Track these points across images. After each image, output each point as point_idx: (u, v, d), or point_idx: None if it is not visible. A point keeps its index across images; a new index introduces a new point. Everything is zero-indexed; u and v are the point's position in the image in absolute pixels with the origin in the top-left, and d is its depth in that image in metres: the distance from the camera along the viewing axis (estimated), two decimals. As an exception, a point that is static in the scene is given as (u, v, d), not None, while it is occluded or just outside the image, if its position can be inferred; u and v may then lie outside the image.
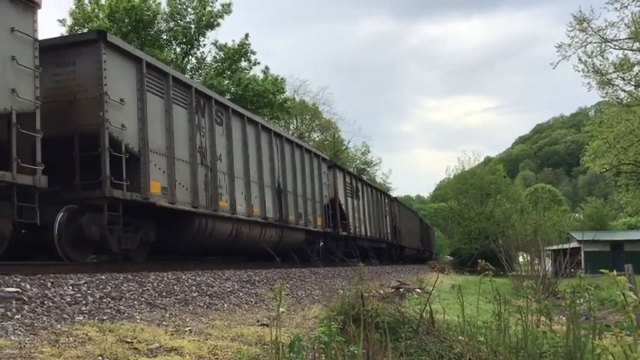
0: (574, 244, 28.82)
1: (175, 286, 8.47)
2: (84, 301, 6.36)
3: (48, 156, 7.97)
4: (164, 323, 6.11)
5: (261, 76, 29.75)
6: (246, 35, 29.39)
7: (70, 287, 6.73)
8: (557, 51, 28.10)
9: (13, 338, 4.55)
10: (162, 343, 5.02)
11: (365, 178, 39.23)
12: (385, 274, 20.00)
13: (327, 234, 19.89)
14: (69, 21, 26.91)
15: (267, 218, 14.82)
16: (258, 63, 30.01)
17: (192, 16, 28.49)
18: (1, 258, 7.48)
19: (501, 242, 19.92)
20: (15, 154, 7.41)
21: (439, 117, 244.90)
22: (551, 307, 4.83)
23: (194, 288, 8.76)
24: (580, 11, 27.70)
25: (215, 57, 30.05)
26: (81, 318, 5.72)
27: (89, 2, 26.84)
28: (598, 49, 27.70)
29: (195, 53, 29.83)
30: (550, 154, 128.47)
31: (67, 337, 4.83)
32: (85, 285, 6.99)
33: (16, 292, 5.95)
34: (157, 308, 7.00)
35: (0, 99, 7.34)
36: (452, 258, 56.78)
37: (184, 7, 28.40)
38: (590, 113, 76.79)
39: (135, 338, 5.08)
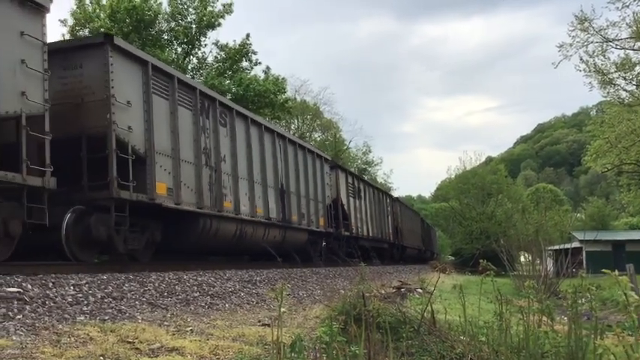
0: (575, 244, 28.77)
1: (177, 286, 8.47)
2: (85, 301, 6.37)
3: (55, 157, 8.08)
4: (165, 323, 6.11)
5: (262, 76, 29.79)
6: (247, 35, 29.47)
7: (72, 287, 6.73)
8: (559, 51, 28.15)
9: (14, 338, 4.55)
10: (164, 343, 5.02)
11: (366, 178, 39.24)
12: (387, 274, 20.00)
13: (329, 234, 19.92)
14: (70, 21, 27.01)
15: (271, 219, 14.87)
16: (260, 63, 30.08)
17: (193, 16, 28.53)
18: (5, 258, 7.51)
19: (503, 242, 19.91)
20: (25, 156, 7.52)
21: (440, 117, 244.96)
22: (553, 307, 4.82)
23: (195, 288, 8.77)
24: (581, 11, 27.73)
25: (216, 57, 30.10)
26: (82, 318, 5.72)
27: (90, 2, 26.87)
28: (599, 48, 27.73)
29: (196, 53, 29.88)
30: (551, 154, 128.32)
31: (69, 337, 4.84)
32: (87, 285, 7.00)
33: (18, 292, 5.96)
34: (158, 308, 7.00)
35: (10, 102, 7.45)
36: (453, 258, 56.83)
37: (185, 7, 28.43)
38: (591, 113, 76.81)
39: (136, 338, 5.08)
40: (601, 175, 56.24)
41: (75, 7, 26.74)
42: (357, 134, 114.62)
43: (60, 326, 5.19)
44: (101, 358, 4.34)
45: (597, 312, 4.29)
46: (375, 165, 64.37)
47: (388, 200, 31.53)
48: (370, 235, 25.49)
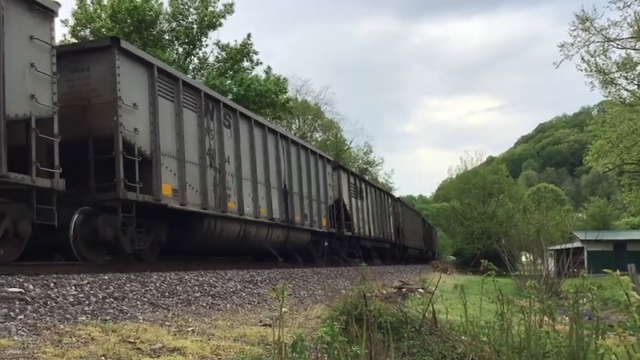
0: (577, 244, 28.77)
1: (178, 287, 8.48)
2: (87, 302, 6.37)
3: (63, 159, 8.16)
4: (167, 323, 6.11)
5: (263, 76, 29.80)
6: (249, 35, 29.46)
7: (73, 287, 6.74)
8: (560, 50, 28.08)
9: (16, 338, 4.56)
10: (165, 344, 5.02)
11: (367, 178, 39.24)
12: (388, 274, 20.01)
13: (331, 234, 19.94)
14: (71, 21, 27.01)
15: (274, 219, 14.94)
16: (261, 63, 30.07)
17: (194, 16, 28.55)
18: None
19: (504, 242, 19.90)
20: (34, 158, 7.60)
21: (441, 117, 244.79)
22: (554, 307, 4.81)
23: (197, 288, 8.78)
24: (583, 10, 27.64)
25: (217, 57, 30.11)
26: (84, 318, 5.73)
27: (91, 3, 26.88)
28: (601, 48, 27.67)
29: (197, 53, 29.89)
30: (553, 154, 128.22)
31: (70, 337, 4.84)
32: (88, 285, 7.01)
33: (19, 292, 5.97)
34: (159, 308, 7.00)
35: (20, 105, 7.53)
36: (454, 258, 56.68)
37: (186, 7, 28.45)
38: (593, 113, 76.71)
39: (138, 338, 5.08)
40: (602, 175, 56.15)
41: (76, 8, 26.79)
42: (358, 134, 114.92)
43: (61, 326, 5.20)
44: (102, 358, 4.35)
45: (599, 312, 4.29)
46: (377, 165, 64.47)
47: (390, 200, 31.55)
48: (372, 235, 25.50)
